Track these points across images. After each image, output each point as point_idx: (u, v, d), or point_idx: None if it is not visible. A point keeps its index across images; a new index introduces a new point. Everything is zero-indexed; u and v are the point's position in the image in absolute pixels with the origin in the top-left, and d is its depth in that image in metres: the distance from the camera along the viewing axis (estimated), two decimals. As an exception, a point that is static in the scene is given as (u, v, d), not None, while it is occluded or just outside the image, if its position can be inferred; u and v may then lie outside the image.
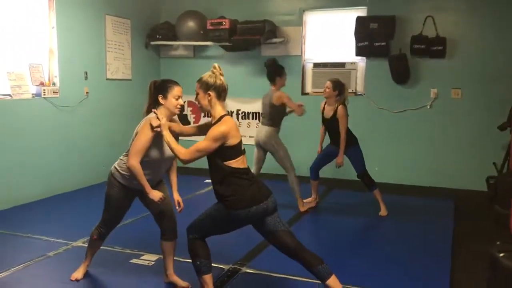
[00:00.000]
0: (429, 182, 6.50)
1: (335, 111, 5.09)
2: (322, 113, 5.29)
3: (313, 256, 2.88)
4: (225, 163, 2.82)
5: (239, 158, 2.85)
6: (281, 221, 2.92)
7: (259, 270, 3.68)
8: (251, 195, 2.81)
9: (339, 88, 5.12)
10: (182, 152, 2.88)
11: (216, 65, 2.94)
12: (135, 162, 3.01)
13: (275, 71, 5.16)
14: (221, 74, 2.91)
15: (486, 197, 5.74)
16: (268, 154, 5.29)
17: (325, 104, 5.27)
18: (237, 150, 2.85)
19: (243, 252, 4.00)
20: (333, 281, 2.85)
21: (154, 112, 3.03)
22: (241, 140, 2.89)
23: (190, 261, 3.02)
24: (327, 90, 5.14)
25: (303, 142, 6.80)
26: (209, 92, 2.86)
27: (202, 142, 2.82)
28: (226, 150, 2.81)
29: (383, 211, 5.21)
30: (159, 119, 2.99)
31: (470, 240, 4.43)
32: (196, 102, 2.94)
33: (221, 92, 2.89)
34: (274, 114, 5.15)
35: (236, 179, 2.82)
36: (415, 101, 6.53)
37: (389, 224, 5.00)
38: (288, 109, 5.29)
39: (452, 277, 3.58)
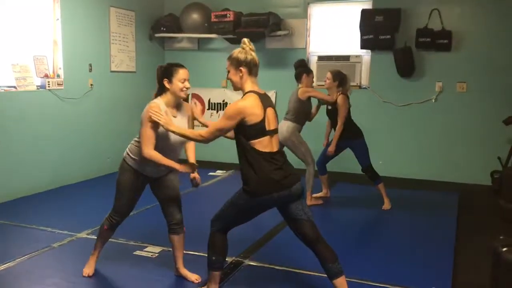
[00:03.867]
0: (433, 176, 6.48)
1: (336, 101, 5.10)
2: (326, 105, 5.31)
3: (329, 252, 2.86)
4: (248, 142, 2.76)
5: (263, 139, 2.77)
6: (304, 209, 2.88)
7: (262, 262, 3.69)
8: (275, 180, 2.75)
9: (339, 79, 5.13)
10: (201, 134, 2.86)
11: (245, 40, 2.87)
12: (149, 151, 2.98)
13: (302, 70, 5.19)
14: (251, 50, 2.85)
15: (490, 191, 5.73)
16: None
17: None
18: (260, 129, 2.76)
19: (246, 244, 4.01)
20: (341, 281, 2.83)
21: (152, 116, 2.96)
22: (263, 120, 2.77)
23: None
24: (327, 81, 5.17)
25: (309, 134, 6.79)
26: (240, 68, 2.81)
27: (220, 121, 2.81)
28: (246, 128, 2.75)
29: (386, 205, 5.21)
30: (159, 120, 2.95)
31: (474, 234, 4.42)
32: (225, 81, 2.91)
33: (253, 67, 2.83)
34: (298, 110, 5.12)
35: (260, 162, 2.75)
36: (420, 94, 6.50)
37: (392, 218, 5.00)
38: (314, 109, 5.34)
39: (455, 271, 3.58)
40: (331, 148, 5.13)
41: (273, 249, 3.95)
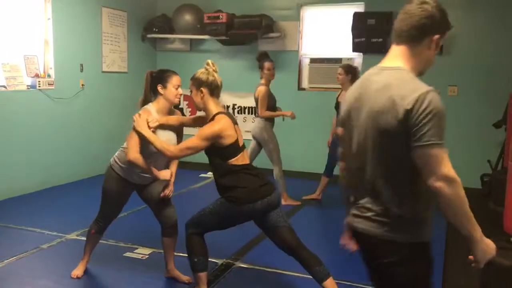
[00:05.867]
0: (423, 179, 6.50)
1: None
2: (337, 99, 5.31)
3: (312, 256, 2.87)
4: (226, 162, 2.81)
5: (238, 156, 2.83)
6: (283, 216, 2.91)
7: (253, 264, 3.68)
8: (255, 190, 2.79)
9: (352, 72, 5.14)
10: (170, 149, 2.87)
11: (209, 61, 2.92)
12: (135, 154, 2.97)
13: (259, 66, 5.20)
14: (214, 71, 2.89)
15: (480, 194, 5.76)
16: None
17: (340, 93, 5.29)
18: (235, 148, 2.82)
19: (237, 246, 4.01)
20: (330, 283, 2.83)
21: (135, 118, 2.99)
22: (237, 138, 2.84)
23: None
24: (340, 76, 5.15)
25: (297, 138, 6.81)
26: (201, 89, 2.85)
27: (193, 140, 2.80)
28: (223, 150, 2.79)
29: (377, 207, 5.21)
30: (133, 121, 2.97)
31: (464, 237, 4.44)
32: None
33: (214, 89, 2.87)
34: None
35: (238, 175, 2.80)
36: (411, 97, 6.52)
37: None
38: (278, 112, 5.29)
39: (445, 274, 3.60)
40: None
41: (264, 251, 3.94)
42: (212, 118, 2.83)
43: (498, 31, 6.10)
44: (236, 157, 2.82)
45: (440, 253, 4.01)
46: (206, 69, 2.89)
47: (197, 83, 2.87)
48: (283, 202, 5.23)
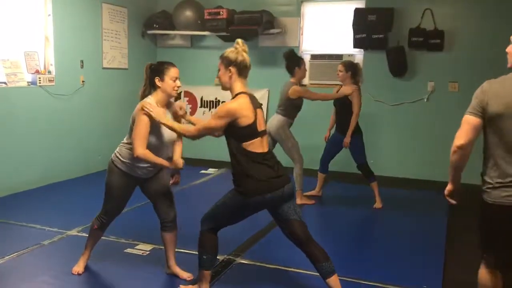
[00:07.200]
0: (424, 176, 6.51)
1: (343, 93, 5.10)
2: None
3: (320, 251, 2.86)
4: (241, 144, 2.75)
5: (255, 140, 2.76)
6: (295, 209, 2.88)
7: (254, 260, 3.69)
8: (265, 182, 2.74)
9: (352, 69, 5.12)
10: (190, 130, 2.91)
11: (239, 40, 2.86)
12: (142, 150, 2.95)
13: (293, 62, 5.05)
14: (244, 51, 2.83)
15: (480, 190, 5.75)
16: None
17: (339, 89, 5.27)
18: (252, 131, 2.75)
19: (238, 242, 4.01)
20: (334, 280, 2.83)
21: (144, 107, 2.96)
22: (255, 121, 2.76)
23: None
24: (340, 73, 5.13)
25: (296, 134, 6.80)
26: (230, 68, 2.80)
27: (210, 120, 2.82)
28: (238, 130, 2.74)
29: (377, 204, 5.22)
30: (150, 111, 2.94)
31: (464, 233, 4.44)
32: (217, 79, 2.88)
33: (243, 69, 2.81)
34: (289, 106, 5.08)
35: (253, 164, 2.75)
36: (412, 94, 6.53)
37: (384, 217, 5.02)
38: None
39: (446, 269, 3.60)
40: (347, 139, 5.08)
41: (265, 247, 3.94)
42: (234, 97, 2.80)
43: (498, 26, 6.08)
44: (252, 141, 2.75)
45: (441, 249, 4.01)
46: (236, 48, 2.83)
47: (226, 62, 2.81)
48: (297, 202, 5.23)
